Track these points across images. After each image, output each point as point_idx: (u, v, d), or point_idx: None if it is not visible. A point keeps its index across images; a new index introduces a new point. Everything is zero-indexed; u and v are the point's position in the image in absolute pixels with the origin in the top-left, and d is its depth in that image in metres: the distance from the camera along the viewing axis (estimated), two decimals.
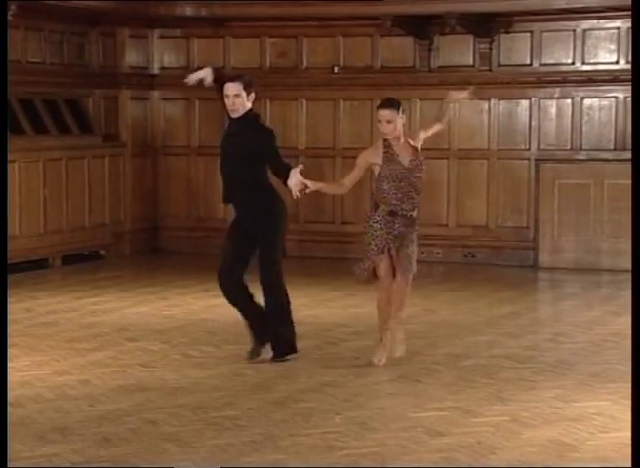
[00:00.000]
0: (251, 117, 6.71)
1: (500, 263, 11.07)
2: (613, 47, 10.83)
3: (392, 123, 6.44)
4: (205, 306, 8.79)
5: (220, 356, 6.96)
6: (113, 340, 7.43)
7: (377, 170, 6.53)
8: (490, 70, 11.18)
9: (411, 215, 6.52)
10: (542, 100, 11.09)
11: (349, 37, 11.57)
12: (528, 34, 11.06)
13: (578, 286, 10.06)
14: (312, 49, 11.72)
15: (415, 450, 4.99)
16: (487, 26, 11.07)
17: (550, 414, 5.58)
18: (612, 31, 10.82)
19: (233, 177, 6.68)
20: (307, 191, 6.43)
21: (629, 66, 10.80)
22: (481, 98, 11.23)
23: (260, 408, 5.71)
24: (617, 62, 10.83)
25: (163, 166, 12.25)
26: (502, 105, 11.23)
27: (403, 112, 6.52)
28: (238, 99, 6.63)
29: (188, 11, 11.55)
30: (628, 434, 5.20)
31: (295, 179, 6.38)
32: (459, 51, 11.26)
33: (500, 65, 11.19)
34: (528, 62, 11.12)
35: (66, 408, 5.69)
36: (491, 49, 11.15)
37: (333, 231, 11.61)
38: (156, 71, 12.15)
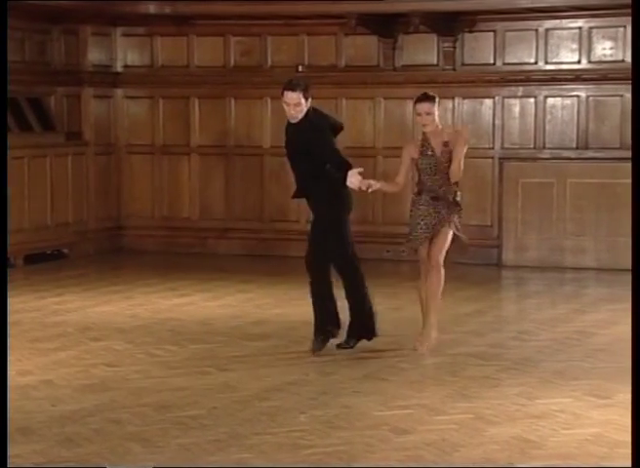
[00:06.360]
0: (306, 120, 6.95)
1: (465, 261, 11.11)
2: (575, 46, 10.91)
3: (431, 115, 6.84)
4: (170, 305, 8.75)
5: (185, 355, 6.93)
6: (77, 340, 7.38)
7: (415, 162, 7.00)
8: (454, 69, 11.22)
9: (454, 199, 6.93)
10: (506, 99, 11.15)
11: (314, 36, 11.56)
12: (491, 33, 11.12)
13: (541, 284, 10.12)
14: (277, 47, 11.70)
15: (380, 449, 5.00)
16: (450, 25, 11.11)
17: (514, 412, 5.61)
18: (574, 31, 10.90)
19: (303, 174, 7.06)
20: (371, 190, 6.94)
21: (591, 66, 10.91)
22: (445, 97, 11.29)
23: (224, 407, 5.69)
24: (579, 62, 10.91)
25: (127, 164, 12.19)
26: (466, 104, 11.28)
27: (439, 105, 6.93)
28: (298, 108, 6.91)
29: (152, 9, 11.49)
30: (590, 431, 5.26)
31: (354, 179, 6.81)
32: (423, 50, 11.29)
33: (463, 64, 11.23)
34: (491, 61, 11.17)
35: (29, 408, 5.64)
36: (455, 48, 11.19)
37: (298, 230, 11.59)
38: (119, 69, 12.07)
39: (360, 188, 6.92)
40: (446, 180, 6.93)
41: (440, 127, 6.97)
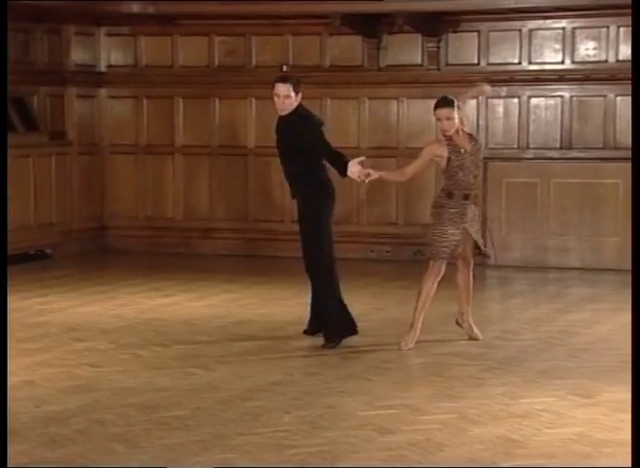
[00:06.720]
0: (296, 115, 7.03)
1: (449, 261, 11.11)
2: (558, 47, 10.95)
3: (451, 119, 6.93)
4: (154, 305, 8.73)
5: (169, 356, 6.92)
6: (60, 340, 7.36)
7: (442, 162, 7.02)
8: (438, 69, 11.24)
9: (475, 195, 7.19)
10: (490, 100, 11.17)
11: (298, 36, 11.55)
12: (475, 34, 11.14)
13: (525, 283, 10.15)
14: (261, 47, 11.69)
15: (364, 448, 5.00)
16: (435, 25, 11.13)
17: (498, 411, 5.62)
18: (557, 31, 10.93)
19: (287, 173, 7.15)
20: (368, 180, 6.97)
21: (575, 66, 10.94)
22: (429, 97, 11.29)
23: (208, 407, 5.69)
24: (562, 62, 10.94)
25: (111, 164, 12.15)
26: None
27: (458, 107, 6.99)
28: (288, 100, 7.02)
29: (135, 8, 11.46)
30: (574, 430, 5.27)
31: (354, 168, 6.84)
32: (407, 50, 11.31)
33: (447, 64, 11.25)
34: (475, 62, 11.20)
35: (12, 409, 5.61)
36: (439, 48, 11.21)
37: (283, 230, 11.59)
38: (103, 69, 12.04)
39: (359, 177, 6.94)
40: (476, 175, 7.12)
41: (458, 128, 7.00)
